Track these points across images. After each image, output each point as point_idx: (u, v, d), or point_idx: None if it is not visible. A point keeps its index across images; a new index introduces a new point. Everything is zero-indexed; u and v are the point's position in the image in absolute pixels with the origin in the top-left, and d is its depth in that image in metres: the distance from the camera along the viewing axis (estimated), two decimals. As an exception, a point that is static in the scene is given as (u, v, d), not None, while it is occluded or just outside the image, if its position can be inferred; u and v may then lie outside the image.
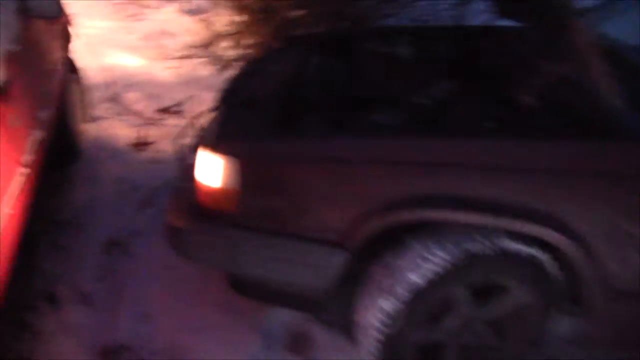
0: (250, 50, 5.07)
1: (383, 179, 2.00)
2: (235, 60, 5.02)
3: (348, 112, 2.28)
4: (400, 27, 4.09)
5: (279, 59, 2.89)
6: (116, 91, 4.42)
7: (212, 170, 2.08)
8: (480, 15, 4.17)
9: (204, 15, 5.51)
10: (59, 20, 3.22)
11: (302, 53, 2.90)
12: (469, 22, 3.49)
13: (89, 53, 4.82)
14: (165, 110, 4.29)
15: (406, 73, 2.68)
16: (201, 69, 4.96)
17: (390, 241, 2.09)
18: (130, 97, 4.41)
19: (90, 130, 3.85)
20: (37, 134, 2.54)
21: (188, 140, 3.66)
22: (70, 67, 3.55)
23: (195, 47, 5.11)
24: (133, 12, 6.05)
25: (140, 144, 3.83)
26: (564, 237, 1.96)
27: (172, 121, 4.18)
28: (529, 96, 2.01)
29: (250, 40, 5.15)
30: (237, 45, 5.16)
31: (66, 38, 3.49)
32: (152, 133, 3.97)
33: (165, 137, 3.93)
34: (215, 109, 2.64)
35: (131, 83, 4.58)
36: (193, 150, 2.60)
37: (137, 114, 4.16)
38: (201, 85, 4.72)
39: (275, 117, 2.21)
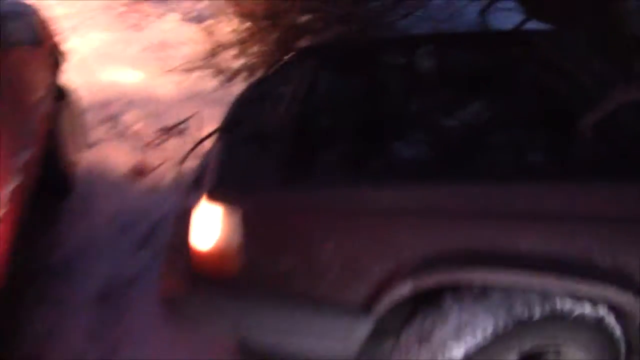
0: (256, 60, 4.77)
1: (415, 233, 1.66)
2: (241, 70, 4.72)
3: (369, 146, 1.93)
4: (421, 35, 3.71)
5: (285, 78, 2.55)
6: (114, 111, 4.12)
7: (209, 224, 1.75)
8: (504, 14, 3.79)
9: (207, 23, 5.21)
10: (43, 46, 2.90)
11: (311, 70, 2.56)
12: (493, 24, 3.11)
13: (85, 70, 4.54)
14: (167, 131, 3.98)
15: (432, 91, 2.32)
16: (205, 81, 4.66)
17: (426, 302, 1.75)
18: (129, 117, 4.10)
19: (84, 158, 3.54)
20: (14, 183, 2.23)
21: (191, 166, 3.38)
22: (60, 94, 3.23)
23: (199, 58, 4.82)
24: (134, 22, 5.74)
25: (139, 172, 3.52)
26: (633, 297, 1.61)
27: (174, 143, 3.87)
28: (583, 122, 1.65)
29: (255, 49, 4.84)
30: (242, 55, 4.86)
31: (54, 63, 3.18)
32: (152, 158, 3.66)
33: (166, 161, 3.62)
34: (215, 138, 2.32)
35: (130, 101, 4.27)
36: (192, 188, 2.30)
37: (136, 136, 3.85)
38: (206, 100, 4.40)
39: (284, 155, 1.88)
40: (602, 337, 1.76)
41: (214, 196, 1.74)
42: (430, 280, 1.64)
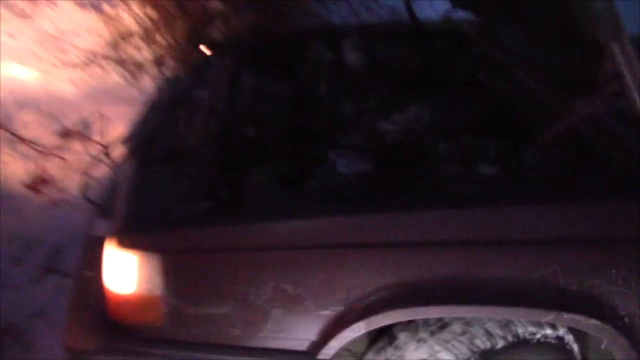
0: (163, 51, 4.42)
1: (363, 268, 1.46)
2: (147, 63, 4.36)
3: (302, 161, 1.72)
4: (346, 26, 3.50)
5: (200, 80, 2.28)
6: (4, 113, 3.66)
7: (124, 270, 1.48)
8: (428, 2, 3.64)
9: (107, 10, 4.77)
10: None
11: (229, 69, 2.30)
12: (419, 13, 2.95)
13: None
14: (68, 134, 3.58)
15: (361, 90, 2.13)
16: (108, 76, 4.26)
17: (380, 337, 1.58)
18: (23, 119, 3.67)
19: (-29, 171, 3.12)
20: None
21: (96, 174, 3.03)
22: None
23: (99, 49, 4.39)
24: (21, 10, 5.17)
25: (38, 184, 3.13)
26: (599, 322, 1.49)
27: (77, 147, 3.49)
28: (544, 136, 1.50)
29: (165, 39, 4.48)
30: (148, 45, 4.49)
31: None
32: (52, 166, 3.27)
33: (69, 170, 3.26)
34: (123, 158, 2.03)
35: (23, 101, 3.81)
36: (102, 212, 2.00)
37: (32, 142, 3.43)
38: (111, 97, 4.03)
39: (205, 181, 1.63)
40: (563, 356, 1.65)
41: (124, 242, 1.46)
42: (384, 320, 1.45)
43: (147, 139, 1.87)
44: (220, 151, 1.73)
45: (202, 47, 2.69)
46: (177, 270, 1.46)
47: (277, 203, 1.57)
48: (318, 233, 1.46)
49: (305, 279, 1.45)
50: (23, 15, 5.03)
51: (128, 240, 1.47)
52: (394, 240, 1.44)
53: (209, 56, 2.54)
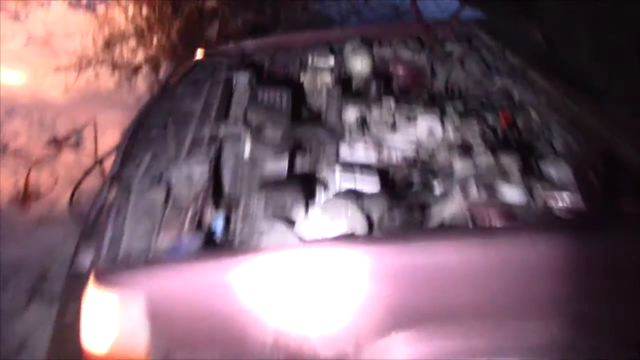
0: (157, 52, 4.24)
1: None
2: (141, 66, 4.19)
3: (305, 185, 1.55)
4: (352, 28, 3.32)
5: (194, 91, 2.11)
6: (-8, 122, 3.51)
7: (103, 317, 1.32)
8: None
9: (99, 11, 4.60)
10: None
11: (225, 79, 2.12)
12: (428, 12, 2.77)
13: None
14: (59, 143, 3.43)
15: (373, 104, 1.95)
16: (101, 80, 4.10)
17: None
18: (12, 127, 3.52)
19: (-45, 185, 2.97)
20: None
21: (90, 189, 2.86)
22: None
23: (92, 52, 4.23)
24: (13, 11, 5.00)
25: (26, 198, 2.98)
26: None
27: (68, 158, 3.34)
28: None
29: (156, 40, 4.32)
30: (141, 47, 4.32)
31: None
32: (42, 179, 3.12)
33: (60, 183, 3.10)
34: (108, 181, 1.86)
35: (11, 108, 3.66)
36: (86, 237, 1.84)
37: (21, 152, 3.28)
38: (104, 102, 3.87)
39: (196, 211, 1.46)
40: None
41: (103, 280, 1.30)
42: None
43: (128, 158, 1.70)
44: (212, 173, 1.56)
45: (198, 51, 2.52)
46: (164, 314, 1.29)
47: (279, 235, 1.41)
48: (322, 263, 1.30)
49: (310, 322, 1.29)
50: (15, 17, 4.87)
51: (106, 280, 1.29)
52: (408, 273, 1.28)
53: (203, 62, 2.38)
